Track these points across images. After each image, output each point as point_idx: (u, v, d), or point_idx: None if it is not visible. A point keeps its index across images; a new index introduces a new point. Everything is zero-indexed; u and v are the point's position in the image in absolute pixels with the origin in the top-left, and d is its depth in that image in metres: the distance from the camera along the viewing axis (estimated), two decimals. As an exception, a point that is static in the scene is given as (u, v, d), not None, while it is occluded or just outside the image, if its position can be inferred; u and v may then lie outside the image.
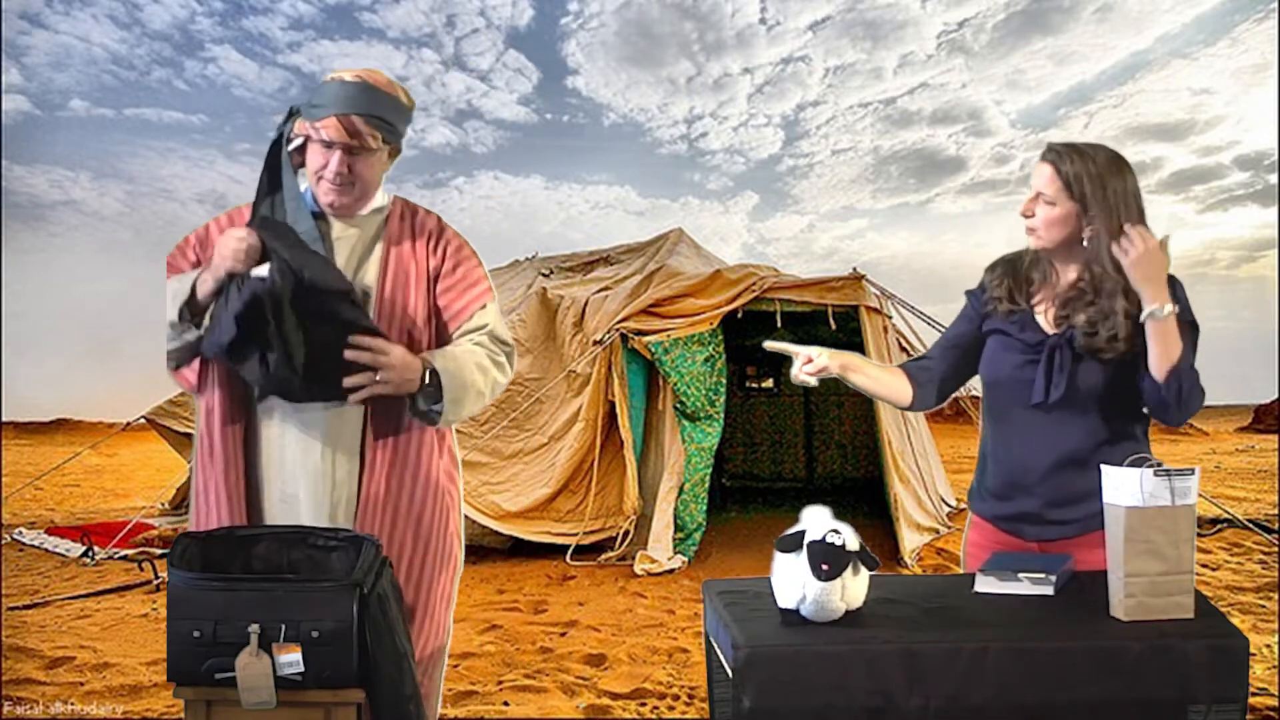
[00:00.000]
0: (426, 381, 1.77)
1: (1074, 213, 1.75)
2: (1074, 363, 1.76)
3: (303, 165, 1.86)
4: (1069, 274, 1.81)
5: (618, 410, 6.19)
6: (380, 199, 1.94)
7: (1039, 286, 1.85)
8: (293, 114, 1.84)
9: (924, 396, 1.95)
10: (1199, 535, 6.31)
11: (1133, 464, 1.52)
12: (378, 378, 1.72)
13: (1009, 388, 1.83)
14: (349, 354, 1.71)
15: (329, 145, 1.80)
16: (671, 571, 5.62)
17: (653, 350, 6.08)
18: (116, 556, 6.23)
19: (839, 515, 1.52)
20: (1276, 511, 7.73)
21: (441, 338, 1.92)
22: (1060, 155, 1.76)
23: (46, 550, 6.69)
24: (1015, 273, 1.88)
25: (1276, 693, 3.11)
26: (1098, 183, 1.73)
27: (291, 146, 1.83)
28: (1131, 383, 1.74)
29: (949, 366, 1.96)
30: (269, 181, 1.83)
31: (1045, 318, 1.83)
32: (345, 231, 1.89)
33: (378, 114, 1.80)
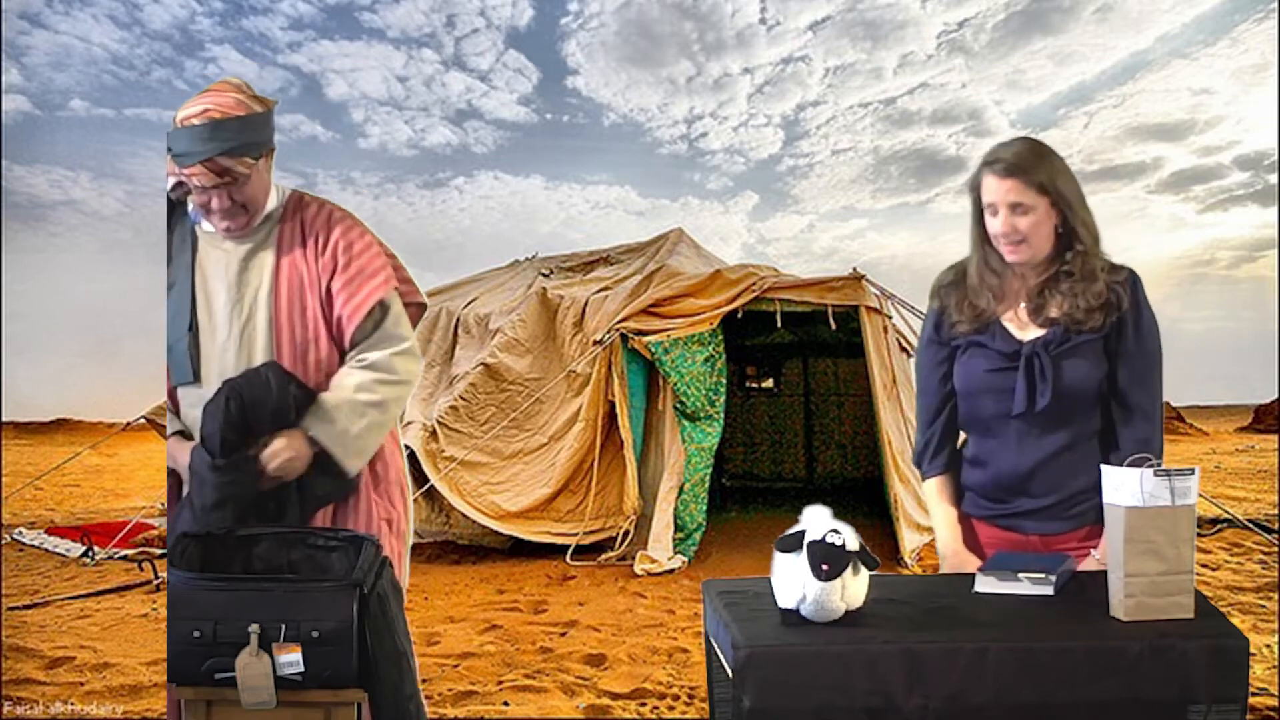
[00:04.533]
0: (315, 463, 1.81)
1: (1047, 210, 1.75)
2: (1053, 367, 1.75)
3: (186, 195, 1.87)
4: (1036, 271, 1.80)
5: (618, 410, 6.19)
6: (272, 202, 1.93)
7: (1001, 293, 1.82)
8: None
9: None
10: (1199, 535, 6.31)
11: (1133, 464, 1.52)
12: (270, 470, 1.77)
13: (989, 398, 1.81)
14: (272, 466, 1.77)
15: (204, 189, 1.81)
16: (671, 571, 5.61)
17: (653, 350, 6.08)
18: (116, 556, 6.23)
19: (839, 515, 1.52)
20: (1276, 511, 7.73)
21: (343, 342, 1.92)
22: (1016, 162, 1.74)
23: (46, 550, 6.69)
24: (968, 289, 1.85)
25: (1276, 693, 3.11)
26: (1053, 170, 1.74)
27: (169, 187, 1.85)
28: (1108, 380, 1.78)
29: (952, 422, 1.93)
30: (168, 234, 1.90)
31: (1015, 323, 1.81)
32: (237, 249, 1.90)
33: (237, 144, 1.79)
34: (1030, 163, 1.74)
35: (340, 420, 1.81)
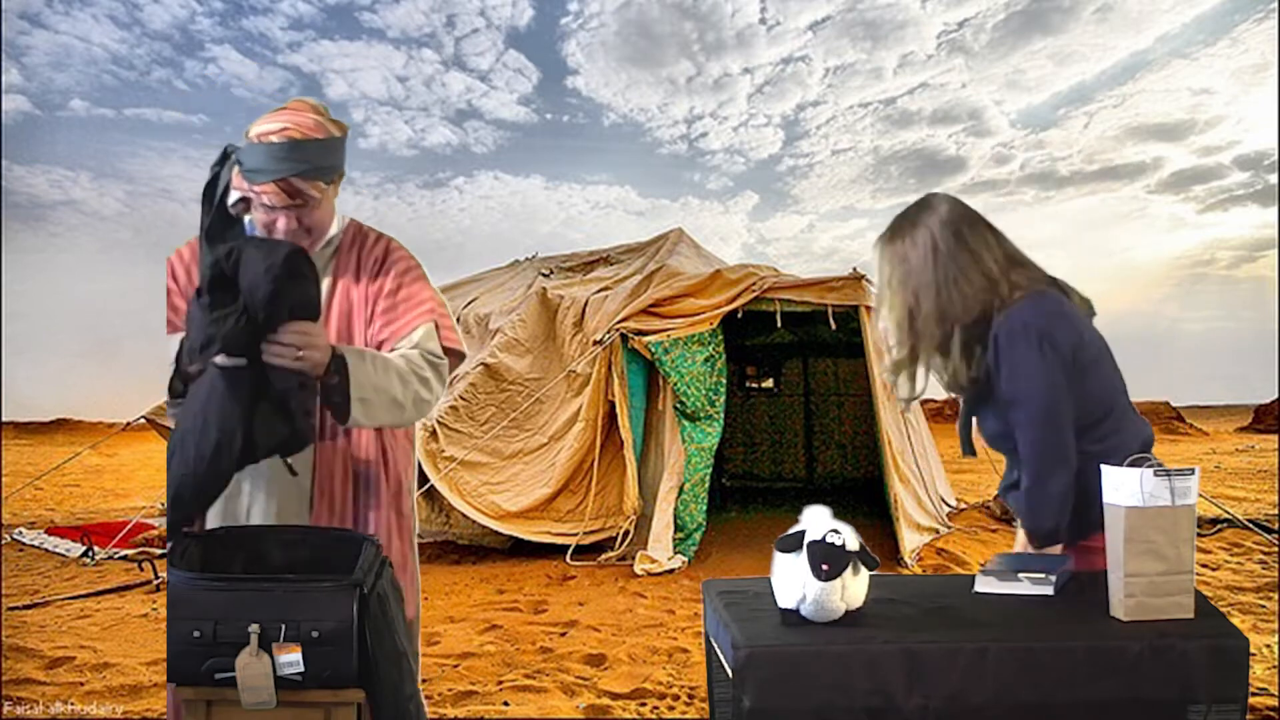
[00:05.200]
0: (332, 370, 1.67)
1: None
2: (967, 418, 1.86)
3: (247, 212, 1.82)
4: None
5: (618, 410, 6.19)
6: (334, 228, 1.90)
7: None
8: (227, 155, 1.76)
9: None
10: (1199, 535, 6.31)
11: (1133, 464, 1.52)
12: (300, 354, 1.62)
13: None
14: (286, 338, 1.62)
15: (272, 208, 1.76)
16: (671, 571, 5.62)
17: (653, 350, 6.08)
18: (116, 556, 6.23)
19: (839, 515, 1.52)
20: (1276, 511, 7.73)
21: None
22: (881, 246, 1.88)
23: (46, 550, 6.69)
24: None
25: (1276, 693, 3.11)
26: (903, 265, 1.85)
27: (232, 201, 1.76)
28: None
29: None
30: (214, 232, 1.76)
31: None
32: None
33: (312, 166, 1.75)
34: (879, 254, 1.87)
35: (378, 373, 1.72)
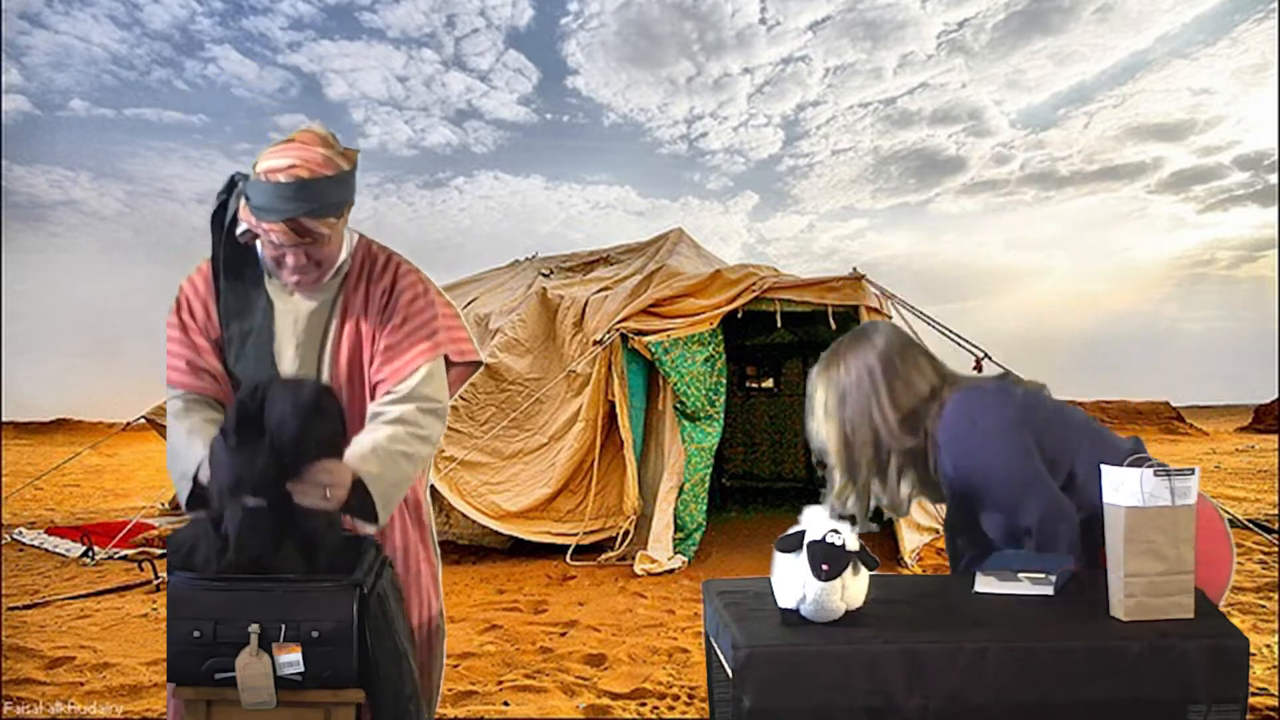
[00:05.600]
0: (354, 497, 1.66)
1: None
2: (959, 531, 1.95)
3: (256, 240, 1.79)
4: None
5: (618, 410, 6.19)
6: (343, 253, 1.87)
7: None
8: (233, 184, 1.75)
9: None
10: (1199, 535, 6.29)
11: (1132, 464, 1.52)
12: (328, 495, 1.62)
13: None
14: (315, 477, 1.61)
15: (279, 245, 1.73)
16: (671, 571, 5.61)
17: (653, 350, 6.08)
18: (116, 556, 6.23)
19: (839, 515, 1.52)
20: (1276, 511, 7.73)
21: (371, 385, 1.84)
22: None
23: (46, 550, 6.69)
24: None
25: (1276, 693, 3.11)
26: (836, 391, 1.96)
27: (240, 231, 1.76)
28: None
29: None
30: (227, 268, 1.78)
31: None
32: (305, 304, 1.83)
33: (322, 205, 1.71)
34: (816, 381, 1.96)
35: (377, 466, 1.70)
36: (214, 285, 1.82)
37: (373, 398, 1.83)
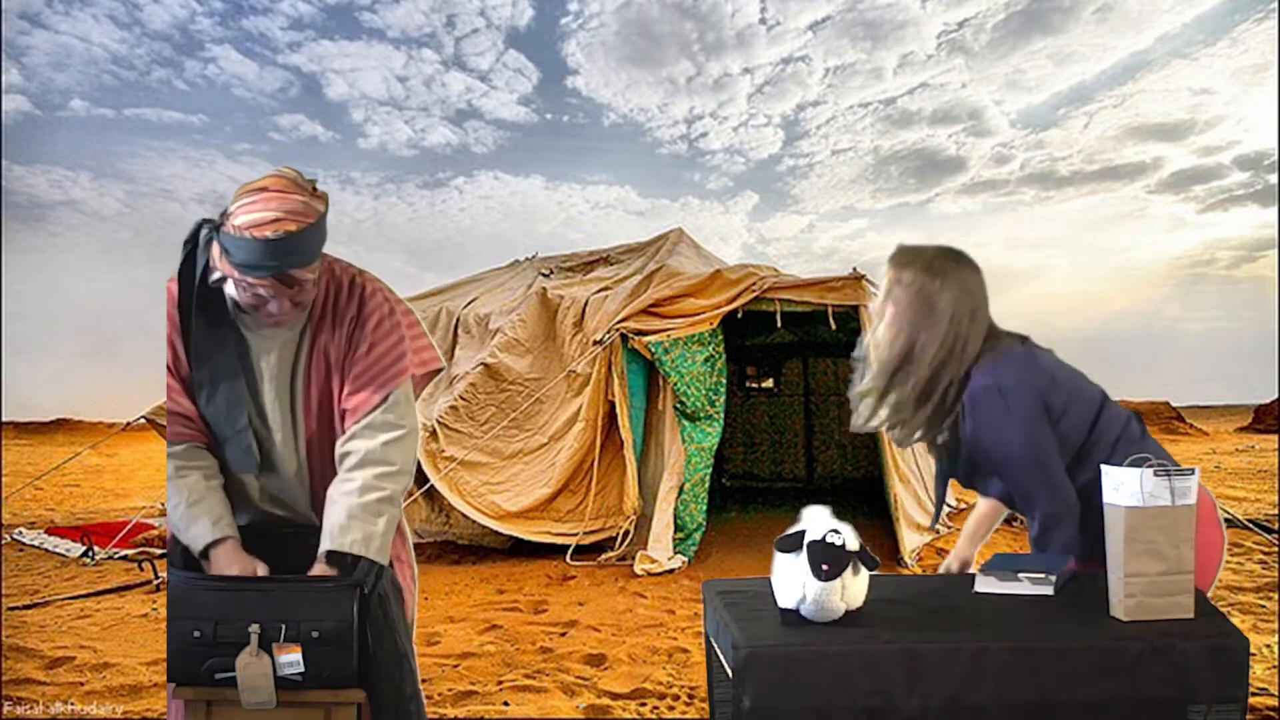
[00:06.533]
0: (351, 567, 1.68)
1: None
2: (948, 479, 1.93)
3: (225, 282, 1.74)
4: None
5: (618, 410, 6.19)
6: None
7: None
8: (202, 226, 1.71)
9: None
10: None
11: (1133, 464, 1.52)
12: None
13: None
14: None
15: (264, 297, 1.70)
16: (671, 571, 5.61)
17: (653, 350, 6.08)
18: (116, 556, 6.23)
19: (839, 515, 1.52)
20: (1276, 511, 7.73)
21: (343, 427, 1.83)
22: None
23: (46, 550, 6.69)
24: None
25: (1276, 693, 3.11)
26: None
27: (214, 279, 1.71)
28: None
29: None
30: (198, 312, 1.75)
31: None
32: (274, 339, 1.80)
33: (307, 255, 1.67)
34: (901, 273, 1.87)
35: (359, 531, 1.69)
36: (181, 326, 1.78)
37: (343, 424, 1.80)
